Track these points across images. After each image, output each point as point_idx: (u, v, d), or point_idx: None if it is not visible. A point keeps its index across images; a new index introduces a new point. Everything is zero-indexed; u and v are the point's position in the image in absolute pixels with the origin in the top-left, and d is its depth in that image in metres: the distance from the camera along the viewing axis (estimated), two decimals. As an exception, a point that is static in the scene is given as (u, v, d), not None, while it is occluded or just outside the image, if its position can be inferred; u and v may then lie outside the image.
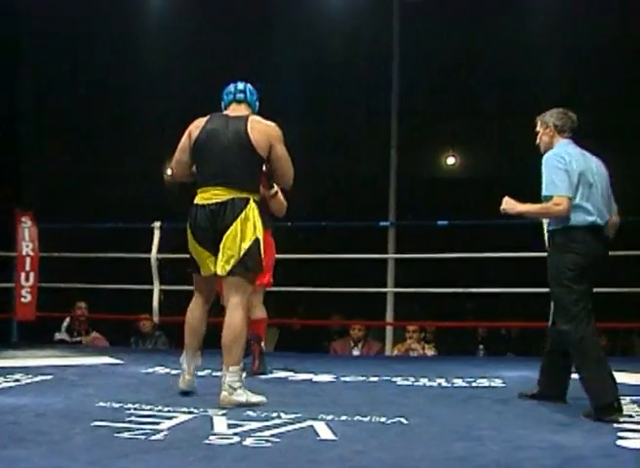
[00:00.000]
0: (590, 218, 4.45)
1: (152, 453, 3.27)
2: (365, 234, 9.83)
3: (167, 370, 6.16)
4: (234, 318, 4.65)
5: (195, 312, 5.00)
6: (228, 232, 4.60)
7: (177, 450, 3.33)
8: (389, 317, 9.49)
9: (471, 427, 3.94)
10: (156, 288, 8.17)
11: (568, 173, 4.45)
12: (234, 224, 4.59)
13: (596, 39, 10.67)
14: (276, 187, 5.46)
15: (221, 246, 4.62)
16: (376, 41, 10.67)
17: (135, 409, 4.33)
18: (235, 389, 4.57)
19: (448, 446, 3.50)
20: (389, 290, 9.43)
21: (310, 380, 5.79)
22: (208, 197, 4.69)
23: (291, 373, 6.09)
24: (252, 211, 4.65)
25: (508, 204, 4.68)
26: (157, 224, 8.24)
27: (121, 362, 6.83)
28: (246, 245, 4.62)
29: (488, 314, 9.69)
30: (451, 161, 13.26)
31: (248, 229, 4.62)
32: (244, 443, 3.52)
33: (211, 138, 4.74)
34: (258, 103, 5.08)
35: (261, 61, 11.31)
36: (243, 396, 4.56)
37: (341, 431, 3.77)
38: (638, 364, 6.74)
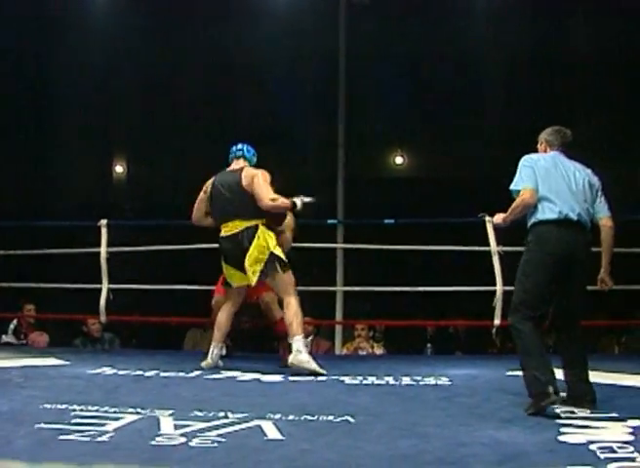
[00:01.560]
0: (558, 210, 4.54)
1: (97, 455, 3.25)
2: (314, 233, 9.82)
3: (114, 371, 6.10)
4: (289, 303, 6.20)
5: (224, 314, 6.56)
6: (248, 254, 6.17)
7: (122, 452, 3.31)
8: (339, 316, 9.52)
9: (417, 424, 3.98)
10: (104, 287, 8.10)
11: (533, 168, 4.66)
12: (251, 249, 6.17)
13: (539, 43, 10.83)
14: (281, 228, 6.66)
15: (246, 265, 6.20)
16: (322, 40, 10.70)
17: (80, 410, 4.28)
18: (301, 351, 5.95)
19: (393, 443, 3.53)
20: (338, 288, 9.45)
21: (258, 380, 5.78)
22: (229, 229, 6.32)
23: (239, 373, 6.08)
24: (262, 233, 6.23)
25: (497, 219, 5.01)
26: (104, 222, 8.15)
27: (67, 363, 6.74)
28: (264, 258, 6.18)
29: (436, 313, 9.78)
30: (399, 160, 13.34)
31: (262, 248, 6.18)
32: (190, 443, 3.51)
33: (219, 189, 6.45)
34: (254, 157, 6.73)
35: (207, 60, 11.30)
36: (306, 358, 5.94)
37: (289, 430, 3.78)
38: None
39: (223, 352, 6.62)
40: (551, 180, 4.64)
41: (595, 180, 4.79)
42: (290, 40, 11.22)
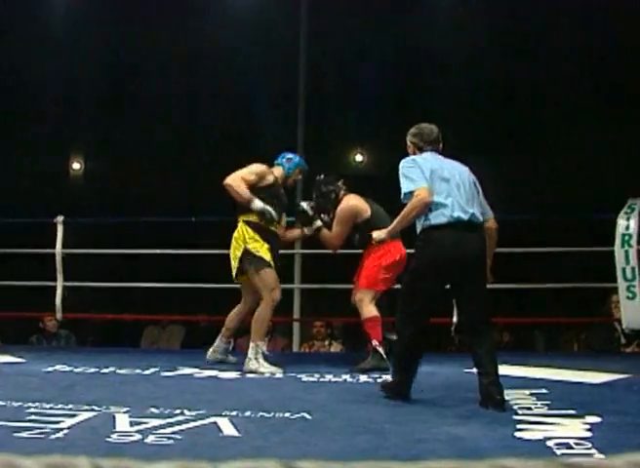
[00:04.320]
0: (449, 213, 4.45)
1: (52, 452, 3.20)
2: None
3: (69, 368, 6.04)
4: (260, 306, 6.15)
5: (233, 310, 6.63)
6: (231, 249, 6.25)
7: (77, 449, 3.27)
8: (296, 313, 9.51)
9: (373, 421, 3.98)
10: (60, 284, 8.01)
11: (420, 169, 4.56)
12: (232, 243, 6.24)
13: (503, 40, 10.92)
14: (318, 223, 6.59)
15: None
16: (282, 39, 10.70)
17: (35, 407, 4.25)
18: (251, 359, 5.95)
19: (349, 440, 3.52)
20: (296, 286, 9.44)
21: (215, 377, 5.76)
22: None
23: (196, 370, 6.05)
24: (241, 228, 6.22)
25: (378, 236, 5.06)
26: (60, 219, 8.05)
27: (22, 360, 6.67)
28: (238, 254, 6.16)
29: (395, 311, 9.79)
30: (359, 158, 13.36)
31: (237, 243, 6.18)
32: (146, 440, 3.48)
33: None
34: (284, 160, 6.64)
35: (166, 56, 11.24)
36: (255, 365, 5.91)
37: (245, 427, 3.77)
38: (538, 358, 6.89)
39: (229, 348, 6.72)
40: (438, 182, 4.53)
41: (475, 178, 4.77)
42: (247, 39, 11.18)
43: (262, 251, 6.15)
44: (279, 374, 5.84)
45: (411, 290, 4.58)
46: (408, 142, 4.89)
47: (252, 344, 6.03)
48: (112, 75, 12.14)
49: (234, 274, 6.26)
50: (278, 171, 6.52)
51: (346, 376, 5.77)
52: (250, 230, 6.18)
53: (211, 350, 6.63)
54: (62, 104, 12.26)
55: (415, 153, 4.82)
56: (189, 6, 10.95)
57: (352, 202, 6.45)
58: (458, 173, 4.65)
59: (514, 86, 11.75)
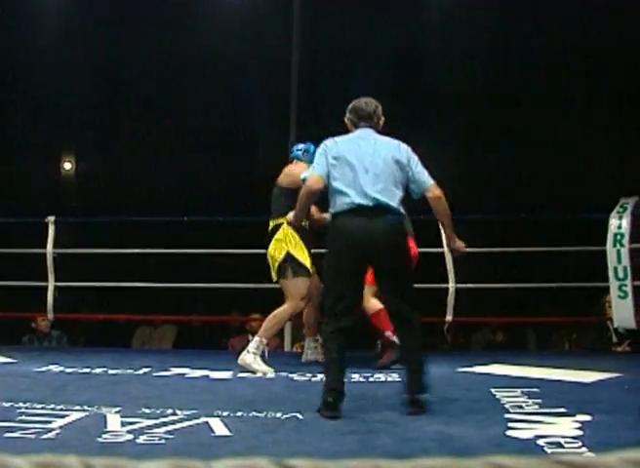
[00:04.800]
0: (350, 200, 4.27)
1: (43, 453, 3.19)
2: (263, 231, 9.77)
3: (61, 369, 6.01)
4: (282, 308, 6.15)
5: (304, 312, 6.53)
6: (268, 251, 6.22)
7: (68, 449, 3.26)
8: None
9: (365, 421, 3.98)
10: (51, 284, 7.98)
11: (326, 156, 4.40)
12: (270, 246, 6.18)
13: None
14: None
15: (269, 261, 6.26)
16: (275, 36, 10.69)
17: (26, 407, 4.24)
18: (249, 352, 5.92)
19: (341, 439, 3.52)
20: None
21: (207, 377, 5.74)
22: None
23: (188, 370, 6.04)
24: (284, 231, 6.13)
25: (289, 217, 5.20)
26: (52, 219, 8.02)
27: (14, 360, 6.65)
28: (279, 256, 6.12)
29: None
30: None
31: (279, 247, 6.14)
32: (137, 440, 3.48)
33: None
34: (299, 152, 6.58)
35: (157, 56, 11.23)
36: (251, 359, 5.86)
37: (236, 427, 3.76)
38: (530, 357, 6.90)
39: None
40: (343, 168, 4.34)
41: (404, 154, 4.45)
42: (240, 39, 11.18)
43: (303, 257, 6.14)
44: (270, 374, 5.82)
45: (328, 288, 4.42)
46: (345, 119, 4.69)
47: (257, 338, 6.04)
48: (104, 75, 12.12)
49: (275, 276, 6.24)
50: (303, 166, 6.40)
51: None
52: (295, 234, 6.13)
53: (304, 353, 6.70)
54: (54, 104, 12.23)
55: (351, 130, 4.63)
56: (180, 6, 10.92)
57: None
58: (372, 154, 4.39)
59: (508, 85, 11.77)
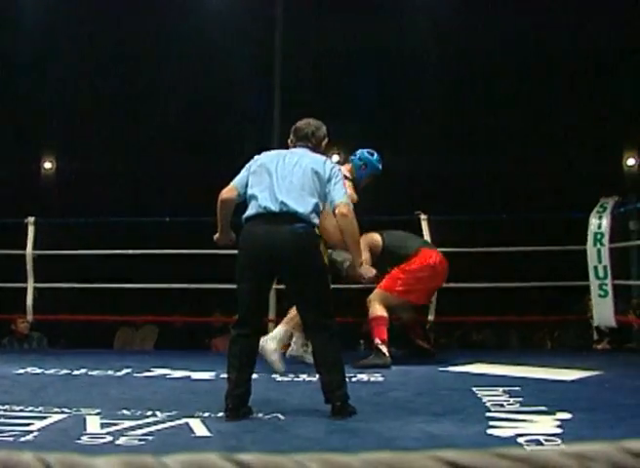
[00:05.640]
0: (258, 204, 4.21)
1: (20, 455, 3.17)
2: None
3: (40, 371, 5.97)
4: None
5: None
6: None
7: (46, 451, 3.23)
8: (272, 313, 9.46)
9: (347, 420, 3.97)
10: (30, 286, 7.93)
11: (249, 167, 4.41)
12: None
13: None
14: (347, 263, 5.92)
15: None
16: (257, 39, 10.67)
17: (5, 410, 4.20)
18: (275, 338, 5.75)
19: (322, 439, 3.52)
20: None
21: (189, 378, 5.72)
22: None
23: (169, 371, 6.01)
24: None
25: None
26: (31, 220, 7.97)
27: (-7, 362, 6.60)
28: None
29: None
30: (335, 158, 13.34)
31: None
32: (117, 442, 3.46)
33: None
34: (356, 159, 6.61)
35: (137, 55, 11.19)
36: (272, 347, 5.61)
37: (217, 428, 3.75)
38: (511, 356, 6.92)
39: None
40: (262, 175, 4.30)
41: (327, 170, 4.34)
42: (222, 42, 11.16)
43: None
44: (282, 374, 5.74)
45: (237, 289, 4.32)
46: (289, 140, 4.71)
47: (281, 329, 6.01)
48: (84, 74, 12.06)
49: None
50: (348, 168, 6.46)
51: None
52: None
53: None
54: (35, 103, 12.17)
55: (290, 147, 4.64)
56: (162, 7, 10.89)
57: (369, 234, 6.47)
58: (293, 164, 4.34)
59: (488, 85, 11.81)
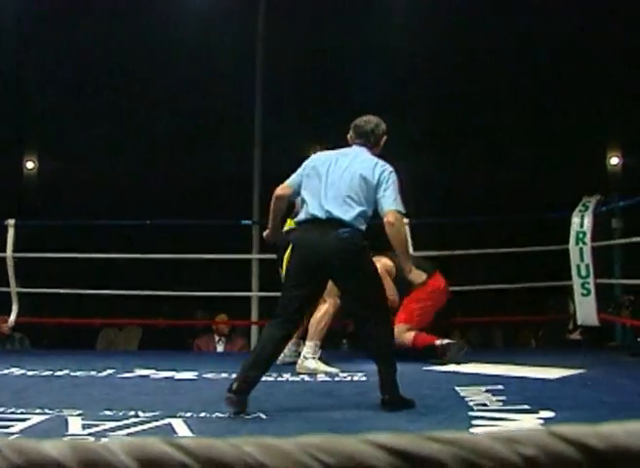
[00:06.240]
0: (307, 211, 4.38)
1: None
2: (229, 233, 9.73)
3: (22, 372, 5.94)
4: (322, 306, 6.02)
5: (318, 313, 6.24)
6: None
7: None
8: (254, 316, 9.45)
9: (329, 420, 3.97)
10: (12, 288, 7.88)
11: (304, 167, 4.57)
12: None
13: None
14: None
15: None
16: (240, 36, 10.64)
17: (-15, 412, 4.17)
18: (307, 358, 5.84)
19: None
20: (254, 294, 9.39)
21: (172, 378, 5.71)
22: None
23: (153, 371, 5.99)
24: None
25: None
26: (11, 222, 7.91)
27: (-26, 364, 6.55)
28: None
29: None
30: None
31: None
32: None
33: None
34: None
35: (120, 52, 11.15)
36: (312, 364, 5.76)
37: (199, 428, 3.74)
38: (495, 355, 6.94)
39: (299, 349, 6.36)
40: (313, 179, 4.45)
41: (376, 175, 4.40)
42: (204, 36, 11.13)
43: None
44: (339, 374, 5.79)
45: (285, 288, 4.48)
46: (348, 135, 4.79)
47: (310, 343, 5.94)
48: (67, 73, 11.98)
49: None
50: None
51: (304, 375, 5.75)
52: None
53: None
54: (16, 101, 12.10)
55: (350, 145, 4.72)
56: (144, 6, 10.85)
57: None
58: (343, 170, 4.44)
59: (470, 84, 11.81)
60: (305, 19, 10.95)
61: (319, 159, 4.58)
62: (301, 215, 4.44)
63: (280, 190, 4.58)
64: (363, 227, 4.38)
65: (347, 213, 4.32)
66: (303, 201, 4.46)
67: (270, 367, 4.39)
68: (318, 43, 11.32)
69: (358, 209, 4.34)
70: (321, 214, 4.32)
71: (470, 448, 0.71)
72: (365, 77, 11.80)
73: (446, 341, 6.42)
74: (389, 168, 4.49)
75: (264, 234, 5.22)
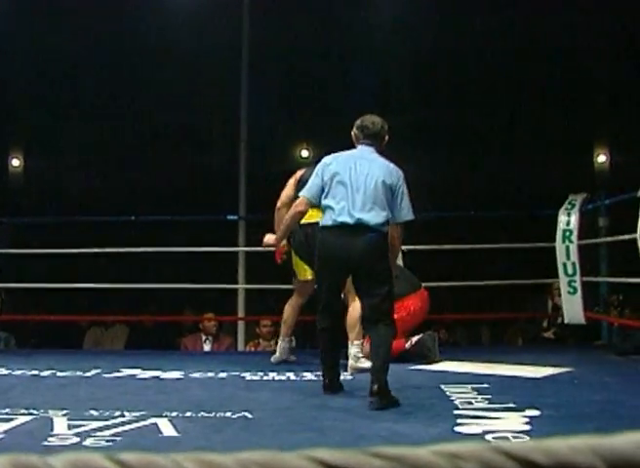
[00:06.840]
0: (334, 217, 4.59)
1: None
2: (215, 228, 9.70)
3: (7, 372, 5.90)
4: (354, 307, 5.67)
5: (289, 308, 6.36)
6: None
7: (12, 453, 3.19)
8: (241, 312, 9.46)
9: (315, 419, 3.98)
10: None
11: (322, 176, 4.72)
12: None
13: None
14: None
15: None
16: (225, 33, 10.62)
17: (-30, 412, 4.15)
18: (359, 358, 5.66)
19: (290, 437, 3.51)
20: (240, 286, 9.39)
21: (158, 377, 5.68)
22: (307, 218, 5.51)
23: (139, 371, 5.96)
24: None
25: (267, 240, 5.52)
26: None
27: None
28: None
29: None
30: (305, 154, 13.28)
31: None
32: (84, 443, 3.44)
33: None
34: None
35: (109, 56, 11.12)
36: (366, 363, 5.36)
37: (185, 427, 3.73)
38: (482, 353, 6.94)
39: (293, 345, 6.57)
40: (337, 187, 4.65)
41: (395, 181, 4.70)
42: (190, 32, 11.11)
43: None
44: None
45: (317, 283, 4.91)
46: (352, 133, 4.93)
47: (357, 343, 5.84)
48: (51, 71, 11.94)
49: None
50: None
51: (290, 374, 5.73)
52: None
53: (277, 354, 6.42)
54: (1, 98, 12.05)
55: (355, 144, 4.90)
56: (132, 5, 10.81)
57: None
58: (365, 175, 4.65)
59: (458, 83, 11.83)
60: (291, 17, 10.94)
61: (338, 164, 4.72)
62: (328, 221, 4.62)
63: (302, 206, 4.82)
64: (387, 230, 4.66)
65: (374, 218, 4.58)
66: (328, 207, 4.63)
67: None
68: (304, 41, 11.31)
69: (382, 214, 4.61)
70: (350, 221, 4.55)
71: (412, 463, 0.71)
72: (351, 76, 11.81)
73: (415, 339, 6.28)
74: (401, 173, 4.78)
75: (266, 239, 5.36)
